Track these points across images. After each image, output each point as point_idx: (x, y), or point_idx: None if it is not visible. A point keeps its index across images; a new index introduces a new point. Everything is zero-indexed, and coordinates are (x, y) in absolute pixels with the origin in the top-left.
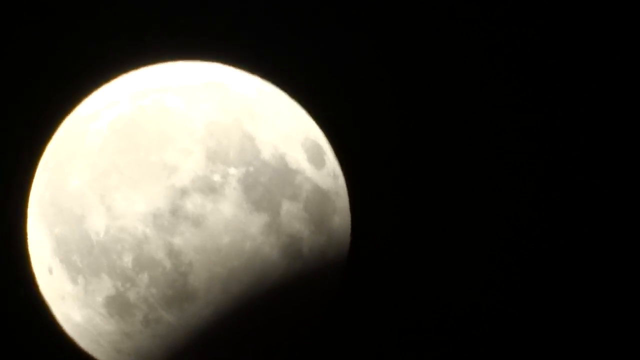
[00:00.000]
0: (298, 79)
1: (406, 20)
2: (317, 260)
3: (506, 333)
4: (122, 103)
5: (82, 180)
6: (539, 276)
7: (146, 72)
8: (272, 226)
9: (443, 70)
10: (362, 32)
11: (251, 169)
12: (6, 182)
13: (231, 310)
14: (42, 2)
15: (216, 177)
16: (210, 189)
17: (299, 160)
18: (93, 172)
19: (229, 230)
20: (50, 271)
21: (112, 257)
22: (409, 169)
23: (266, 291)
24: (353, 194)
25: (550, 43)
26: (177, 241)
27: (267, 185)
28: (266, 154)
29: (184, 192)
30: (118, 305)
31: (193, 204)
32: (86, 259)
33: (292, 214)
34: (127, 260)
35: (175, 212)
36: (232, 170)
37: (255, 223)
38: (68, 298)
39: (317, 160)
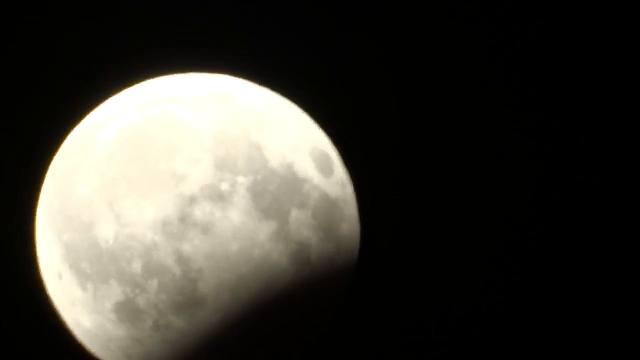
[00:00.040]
0: (306, 90)
1: (411, 26)
2: (326, 267)
3: (510, 333)
4: (131, 113)
5: (91, 188)
6: (540, 276)
7: (155, 83)
8: (281, 233)
9: (450, 76)
10: (370, 46)
11: (259, 177)
12: (15, 191)
13: (240, 316)
14: (53, 16)
15: (224, 186)
16: (219, 197)
17: (306, 168)
18: (101, 180)
19: (237, 237)
20: (60, 277)
21: (121, 264)
22: (417, 177)
23: (274, 297)
24: (361, 202)
25: (550, 43)
26: (186, 248)
27: (275, 193)
28: (274, 162)
29: (192, 200)
30: (128, 311)
31: (202, 211)
32: (95, 265)
33: (300, 221)
34: (136, 266)
35: (184, 219)
36: (241, 179)
37: (264, 230)
38: (78, 304)
39: (325, 168)
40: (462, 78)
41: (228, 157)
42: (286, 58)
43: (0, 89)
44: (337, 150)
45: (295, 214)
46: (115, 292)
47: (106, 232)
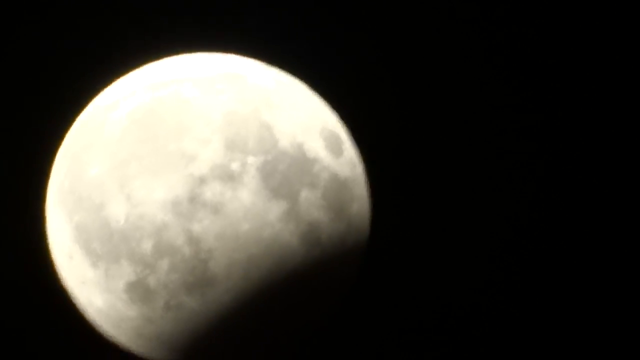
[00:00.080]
0: (316, 70)
1: (422, 4)
2: (336, 247)
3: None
4: (141, 93)
5: (102, 169)
6: (540, 276)
7: (165, 63)
8: (291, 213)
9: (464, 54)
10: (381, 25)
11: (269, 157)
12: (26, 171)
13: (251, 296)
14: None
15: (235, 166)
16: (229, 177)
17: (317, 149)
18: (112, 161)
19: (248, 217)
20: (71, 257)
21: (132, 244)
22: (427, 157)
23: (285, 278)
24: (371, 182)
25: (550, 43)
26: (197, 228)
27: (285, 173)
28: (284, 142)
29: (202, 180)
30: (139, 291)
31: (212, 191)
32: (106, 245)
33: (310, 201)
34: (147, 246)
35: (194, 199)
36: (251, 159)
37: (274, 210)
38: (89, 284)
39: (335, 149)
40: (469, 58)
41: (238, 137)
42: (296, 38)
43: (11, 68)
44: (347, 130)
45: (305, 194)
46: (126, 272)
47: (117, 213)
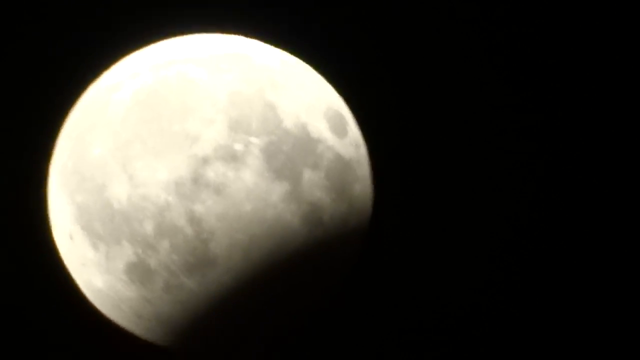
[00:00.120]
0: (320, 51)
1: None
2: (338, 228)
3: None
4: (145, 74)
5: (105, 150)
6: (541, 276)
7: (169, 43)
8: (294, 194)
9: (470, 34)
10: (386, 7)
11: (273, 138)
12: (28, 152)
13: (252, 277)
14: None
15: (238, 146)
16: (232, 158)
17: (320, 129)
18: (115, 141)
19: (250, 198)
20: (72, 238)
21: (133, 225)
22: (431, 139)
23: (287, 258)
24: (374, 163)
25: (550, 43)
26: (199, 209)
27: (288, 154)
28: (288, 123)
29: (205, 161)
30: (139, 272)
31: (215, 172)
32: (107, 226)
33: (313, 182)
34: (148, 227)
35: (197, 180)
36: (254, 140)
37: (277, 191)
38: (89, 264)
39: (339, 129)
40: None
41: (242, 117)
42: (300, 18)
43: (14, 49)
44: (351, 111)
45: (308, 175)
46: (127, 253)
47: (119, 193)
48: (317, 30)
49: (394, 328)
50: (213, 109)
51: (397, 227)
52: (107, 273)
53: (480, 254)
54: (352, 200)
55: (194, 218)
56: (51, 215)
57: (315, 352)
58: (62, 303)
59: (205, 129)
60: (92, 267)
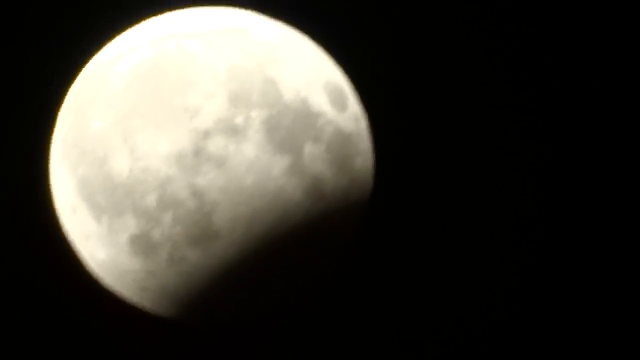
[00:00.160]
0: (320, 24)
1: None
2: (340, 201)
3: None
4: (145, 47)
5: (105, 123)
6: (541, 276)
7: (168, 17)
8: (295, 167)
9: (472, 10)
10: None
11: (274, 111)
12: (29, 126)
13: (254, 250)
14: None
15: (239, 120)
16: (233, 131)
17: (321, 103)
18: (116, 114)
19: (251, 171)
20: (74, 211)
21: (136, 197)
22: (433, 113)
23: (288, 231)
24: (375, 137)
25: (551, 43)
26: (201, 182)
27: (289, 127)
28: (288, 97)
29: (206, 134)
30: (142, 244)
31: (216, 145)
32: (110, 198)
33: (314, 155)
34: (151, 199)
35: (198, 153)
36: (255, 113)
37: (278, 164)
38: (92, 237)
39: (339, 103)
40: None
41: (242, 91)
42: None
43: (12, 23)
44: (351, 85)
45: (309, 149)
46: (130, 225)
47: (120, 166)
48: (317, 3)
49: (395, 302)
50: (213, 82)
51: (398, 201)
52: (110, 245)
53: (483, 220)
54: (353, 173)
55: (196, 191)
56: (53, 188)
57: (317, 325)
58: (65, 276)
59: (205, 102)
60: (95, 240)
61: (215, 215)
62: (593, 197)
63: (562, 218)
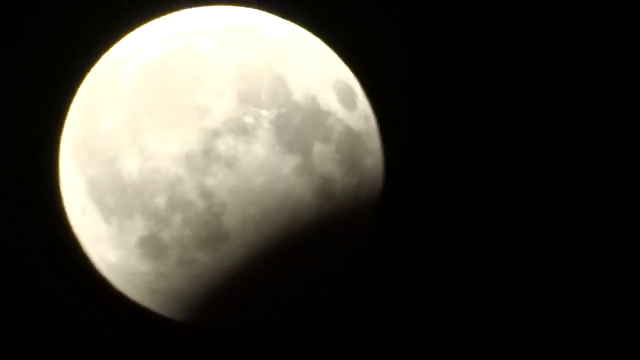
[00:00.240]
0: (330, 22)
1: None
2: (349, 201)
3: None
4: (154, 46)
5: (115, 122)
6: (542, 275)
7: (178, 15)
8: (305, 167)
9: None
10: None
11: (283, 110)
12: (39, 125)
13: (264, 251)
14: None
15: (248, 119)
16: (243, 131)
17: (330, 102)
18: (125, 114)
19: (261, 171)
20: (84, 212)
21: (145, 198)
22: (441, 111)
23: (299, 232)
24: (384, 136)
25: (551, 43)
26: (210, 182)
27: (298, 126)
28: (298, 95)
29: (216, 134)
30: (152, 246)
31: (225, 145)
32: (119, 199)
33: (324, 155)
34: (160, 201)
35: (208, 153)
36: (264, 112)
37: (288, 164)
38: (102, 239)
39: (348, 102)
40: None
41: (251, 90)
42: None
43: (24, 22)
44: (360, 83)
45: (318, 148)
46: (139, 227)
47: (130, 166)
48: (326, 2)
49: (405, 302)
50: (222, 81)
51: (407, 200)
52: (120, 247)
53: (492, 219)
54: (363, 173)
55: (206, 192)
56: (63, 189)
57: (327, 327)
58: (75, 278)
59: (214, 101)
60: (105, 241)
61: (225, 217)
62: (596, 198)
63: (562, 217)
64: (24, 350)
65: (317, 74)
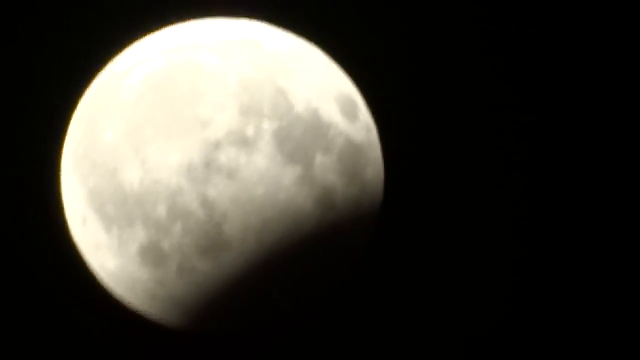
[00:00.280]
0: (331, 35)
1: None
2: (350, 211)
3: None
4: (156, 59)
5: (116, 134)
6: (542, 275)
7: (179, 28)
8: (306, 177)
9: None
10: None
11: (284, 122)
12: (40, 136)
13: (264, 260)
14: None
15: (250, 131)
16: (244, 142)
17: (332, 114)
18: (127, 125)
19: (262, 181)
20: (85, 222)
21: (146, 208)
22: (443, 122)
23: (299, 241)
24: (386, 147)
25: (550, 43)
26: (211, 192)
27: (300, 138)
28: (299, 108)
29: (217, 145)
30: (152, 255)
31: (227, 156)
32: (120, 209)
33: (325, 165)
34: (161, 210)
35: (209, 164)
36: (266, 124)
37: (289, 175)
38: (102, 247)
39: (350, 113)
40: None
41: (253, 102)
42: (311, 3)
43: (25, 33)
44: (362, 95)
45: (320, 159)
46: (139, 236)
47: (131, 177)
48: (327, 14)
49: (405, 312)
50: (224, 93)
51: (408, 211)
52: (120, 256)
53: (494, 228)
54: (364, 184)
55: (207, 202)
56: (64, 199)
57: (326, 335)
58: (75, 286)
59: (216, 113)
60: (106, 250)
61: (226, 226)
62: (598, 198)
63: (563, 217)
64: (24, 357)
65: (319, 86)
